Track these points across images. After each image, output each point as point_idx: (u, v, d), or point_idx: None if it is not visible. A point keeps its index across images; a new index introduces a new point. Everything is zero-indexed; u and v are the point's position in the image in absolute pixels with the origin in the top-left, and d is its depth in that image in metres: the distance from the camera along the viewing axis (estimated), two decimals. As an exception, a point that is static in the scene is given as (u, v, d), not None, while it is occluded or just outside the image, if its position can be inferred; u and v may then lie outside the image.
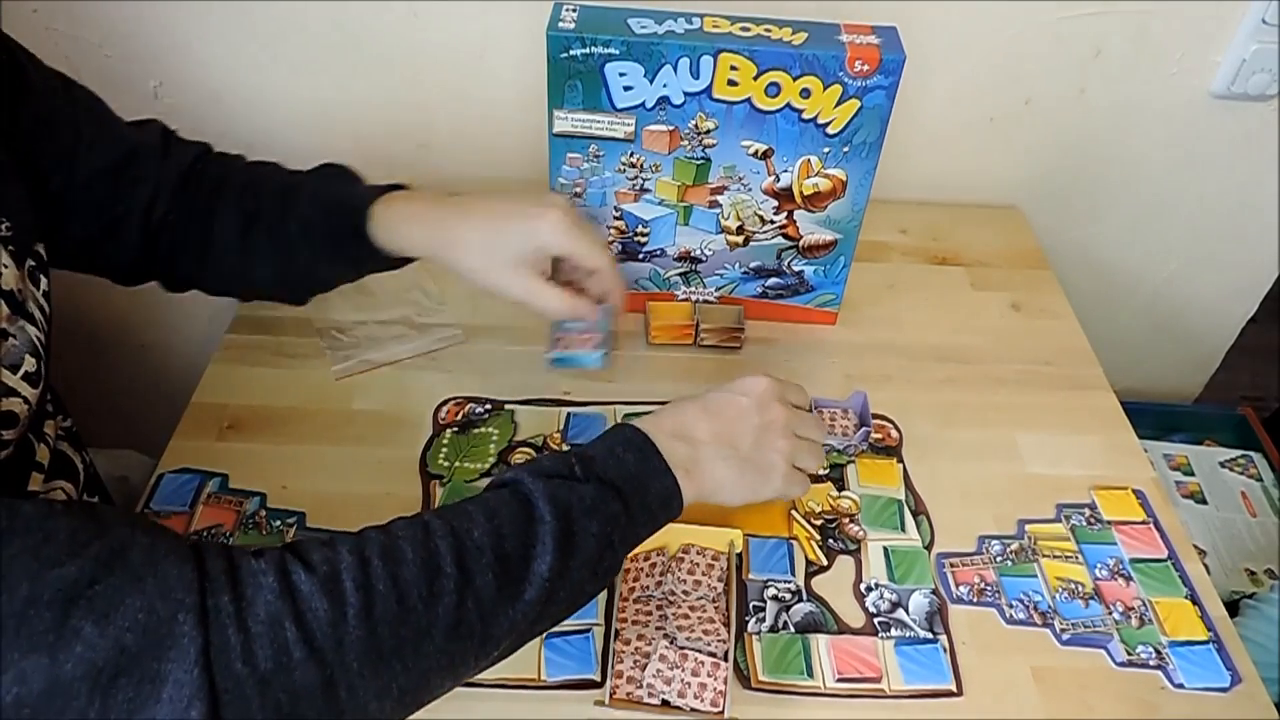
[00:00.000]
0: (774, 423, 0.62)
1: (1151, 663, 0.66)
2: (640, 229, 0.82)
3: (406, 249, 0.67)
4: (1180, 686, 0.64)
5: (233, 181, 0.70)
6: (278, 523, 0.70)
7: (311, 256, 0.68)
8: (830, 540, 0.72)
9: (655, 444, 0.57)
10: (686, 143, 0.75)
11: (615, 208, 0.80)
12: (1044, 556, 0.71)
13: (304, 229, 0.68)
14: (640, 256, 0.84)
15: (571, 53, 0.70)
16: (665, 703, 0.60)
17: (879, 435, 0.79)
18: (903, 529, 0.73)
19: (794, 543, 0.71)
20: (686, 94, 0.72)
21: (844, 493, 0.75)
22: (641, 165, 0.77)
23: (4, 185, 0.60)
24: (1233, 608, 0.84)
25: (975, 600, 0.69)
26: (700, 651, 0.62)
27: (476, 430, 0.78)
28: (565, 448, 0.76)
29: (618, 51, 0.70)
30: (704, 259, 0.84)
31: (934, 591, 0.69)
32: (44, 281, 0.63)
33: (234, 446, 0.75)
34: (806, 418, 0.65)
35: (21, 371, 0.58)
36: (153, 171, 0.68)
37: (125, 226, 0.67)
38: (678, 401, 0.62)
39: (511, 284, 0.65)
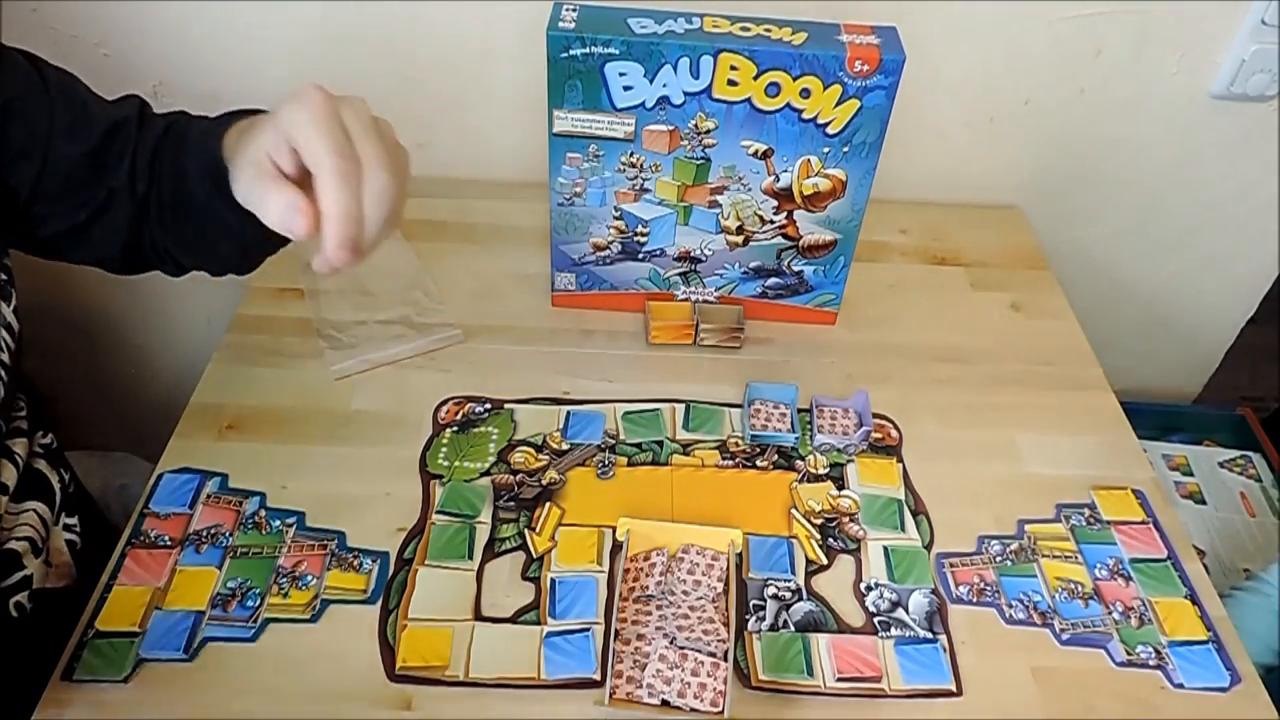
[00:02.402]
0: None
1: (1151, 663, 0.66)
2: (640, 229, 0.82)
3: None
4: (1180, 686, 0.64)
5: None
6: (277, 523, 0.70)
7: (200, 220, 0.59)
8: (830, 539, 0.72)
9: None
10: (686, 143, 0.75)
11: (615, 208, 0.80)
12: (1044, 556, 0.71)
13: (187, 192, 0.59)
14: (640, 256, 0.84)
15: (571, 52, 0.70)
16: (665, 703, 0.60)
17: (879, 435, 0.79)
18: (902, 529, 0.73)
19: (794, 542, 0.71)
20: (686, 94, 0.72)
21: (844, 492, 0.75)
22: (641, 165, 0.77)
23: None
24: (1232, 608, 0.84)
25: (975, 600, 0.69)
26: (700, 651, 0.62)
27: (476, 430, 0.78)
28: (565, 446, 0.76)
29: (618, 51, 0.70)
30: (704, 259, 0.84)
31: (934, 591, 0.69)
32: (13, 297, 0.60)
33: (233, 446, 0.75)
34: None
35: None
36: (130, 149, 0.62)
37: (111, 212, 0.63)
38: None
39: (239, 183, 0.48)
